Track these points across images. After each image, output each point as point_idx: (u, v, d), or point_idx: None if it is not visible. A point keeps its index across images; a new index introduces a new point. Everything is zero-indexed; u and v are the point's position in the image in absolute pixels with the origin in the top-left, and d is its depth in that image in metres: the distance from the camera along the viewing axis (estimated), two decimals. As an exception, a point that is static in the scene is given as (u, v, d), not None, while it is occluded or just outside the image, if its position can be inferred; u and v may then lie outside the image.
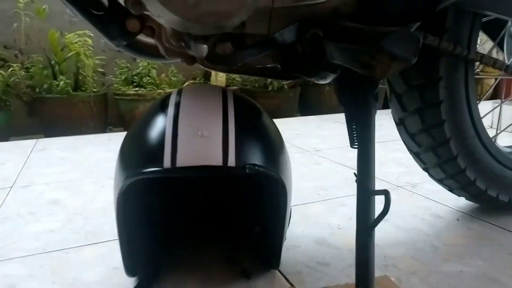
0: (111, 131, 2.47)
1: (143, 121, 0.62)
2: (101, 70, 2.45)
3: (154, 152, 0.55)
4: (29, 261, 0.76)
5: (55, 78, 2.31)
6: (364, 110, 0.61)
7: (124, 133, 0.68)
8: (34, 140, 1.88)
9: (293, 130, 2.07)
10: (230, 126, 0.57)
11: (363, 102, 0.61)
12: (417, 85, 0.76)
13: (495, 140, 0.95)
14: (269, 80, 2.65)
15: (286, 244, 0.83)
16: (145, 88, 2.42)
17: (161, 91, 2.43)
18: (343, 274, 0.71)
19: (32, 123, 2.38)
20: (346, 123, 0.64)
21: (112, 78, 2.51)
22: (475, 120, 0.80)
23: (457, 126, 0.79)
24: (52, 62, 2.34)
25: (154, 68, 2.50)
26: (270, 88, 2.66)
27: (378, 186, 0.58)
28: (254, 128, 0.62)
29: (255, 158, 0.58)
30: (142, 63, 2.49)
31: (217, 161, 0.54)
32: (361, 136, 0.60)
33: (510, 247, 0.80)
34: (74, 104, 2.28)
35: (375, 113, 0.63)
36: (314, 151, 1.63)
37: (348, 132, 0.64)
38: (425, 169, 0.91)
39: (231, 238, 0.80)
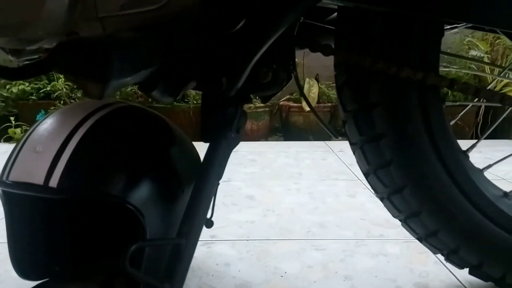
0: (206, 140, 2.64)
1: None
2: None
3: (5, 164, 0.57)
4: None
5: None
6: (212, 139, 0.50)
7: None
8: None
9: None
10: (71, 143, 0.54)
11: (214, 128, 0.50)
12: (352, 112, 0.59)
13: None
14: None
15: (197, 283, 0.75)
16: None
17: (251, 105, 2.46)
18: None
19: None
20: None
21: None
22: (449, 164, 0.57)
23: (413, 170, 0.58)
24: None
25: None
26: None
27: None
28: (111, 148, 0.55)
29: (97, 180, 0.53)
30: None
31: (39, 179, 0.52)
32: (201, 170, 0.49)
33: None
34: (175, 114, 2.52)
35: (229, 145, 0.51)
36: (364, 181, 1.41)
37: None
38: (400, 221, 0.69)
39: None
